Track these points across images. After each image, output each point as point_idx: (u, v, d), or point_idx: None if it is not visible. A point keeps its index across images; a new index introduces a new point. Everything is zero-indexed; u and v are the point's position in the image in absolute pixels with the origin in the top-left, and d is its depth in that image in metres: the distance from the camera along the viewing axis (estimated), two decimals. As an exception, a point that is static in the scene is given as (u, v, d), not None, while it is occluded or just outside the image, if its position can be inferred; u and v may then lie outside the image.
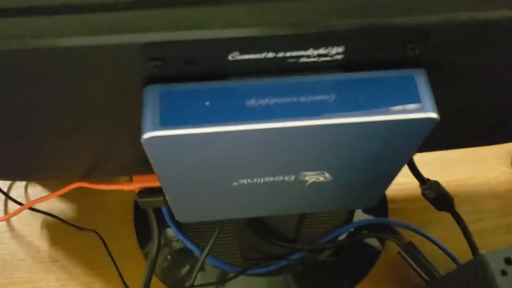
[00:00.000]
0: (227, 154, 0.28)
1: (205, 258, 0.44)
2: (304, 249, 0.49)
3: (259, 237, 0.47)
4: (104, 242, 0.51)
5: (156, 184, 0.35)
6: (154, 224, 0.44)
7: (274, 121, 0.26)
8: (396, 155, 0.30)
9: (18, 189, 0.57)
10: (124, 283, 0.46)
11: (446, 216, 0.51)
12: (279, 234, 0.48)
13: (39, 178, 0.39)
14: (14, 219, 0.55)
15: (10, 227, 0.55)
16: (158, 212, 0.44)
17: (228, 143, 0.27)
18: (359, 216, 0.54)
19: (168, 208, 0.38)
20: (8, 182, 0.57)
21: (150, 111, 0.26)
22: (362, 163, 0.30)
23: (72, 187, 0.38)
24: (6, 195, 0.55)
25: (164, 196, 0.35)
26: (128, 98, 0.29)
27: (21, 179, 0.43)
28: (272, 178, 0.32)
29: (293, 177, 0.32)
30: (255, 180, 0.32)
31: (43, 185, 0.58)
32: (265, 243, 0.49)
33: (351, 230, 0.52)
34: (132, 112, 0.30)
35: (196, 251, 0.45)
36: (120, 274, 0.47)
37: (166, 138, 0.26)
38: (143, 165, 0.36)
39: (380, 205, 0.55)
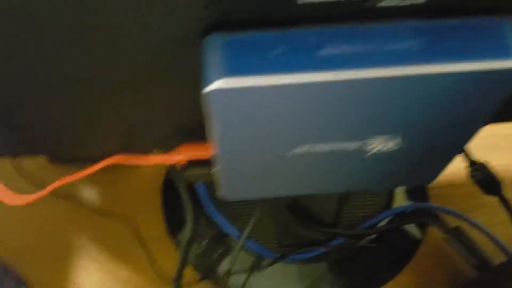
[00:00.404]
0: (294, 110, 0.25)
1: (244, 241, 0.42)
2: (344, 235, 0.46)
3: (299, 221, 0.44)
4: (134, 228, 0.48)
5: (203, 155, 0.32)
6: (189, 205, 0.41)
7: (352, 71, 0.23)
8: (474, 118, 0.28)
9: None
10: (155, 269, 0.44)
11: (490, 202, 0.48)
12: (318, 219, 0.45)
13: (75, 154, 0.36)
14: (35, 208, 0.53)
15: (31, 216, 0.52)
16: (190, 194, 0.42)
17: (297, 97, 0.24)
18: (398, 202, 0.51)
19: (211, 184, 0.35)
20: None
21: (213, 62, 0.23)
22: (437, 126, 0.28)
23: (107, 163, 0.35)
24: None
25: (212, 168, 0.32)
26: (182, 53, 0.26)
27: (56, 157, 0.40)
28: (335, 146, 0.29)
29: (356, 145, 0.29)
30: (315, 149, 0.29)
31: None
32: (303, 228, 0.46)
33: (391, 216, 0.49)
34: (184, 70, 0.27)
35: (234, 234, 0.42)
36: (150, 260, 0.44)
37: (232, 91, 0.23)
38: (187, 134, 0.33)
39: (420, 191, 0.52)
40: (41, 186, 0.52)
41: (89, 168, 0.36)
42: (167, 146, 0.34)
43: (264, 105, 0.24)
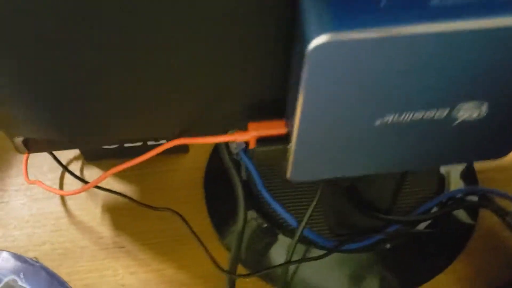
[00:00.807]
0: (392, 68, 0.24)
1: (302, 230, 0.40)
2: (401, 222, 0.44)
3: (356, 208, 0.42)
4: (184, 220, 0.46)
5: (275, 132, 0.30)
6: (240, 191, 0.39)
7: (464, 20, 0.22)
8: None
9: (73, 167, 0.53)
10: (214, 261, 0.41)
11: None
12: (375, 205, 0.44)
13: (132, 136, 0.35)
14: (71, 204, 0.51)
15: (68, 213, 0.50)
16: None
17: (400, 51, 0.23)
18: (450, 186, 0.49)
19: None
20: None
21: (315, 17, 0.22)
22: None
23: (169, 145, 0.33)
24: (68, 170, 0.50)
25: (286, 143, 0.30)
26: (266, 16, 0.25)
27: (111, 141, 0.37)
28: (423, 114, 0.28)
29: (445, 112, 0.28)
30: (402, 118, 0.28)
31: (99, 166, 0.53)
32: (359, 215, 0.44)
33: (445, 200, 0.48)
34: (265, 34, 0.26)
35: (292, 221, 0.40)
36: (207, 250, 0.42)
37: (335, 45, 0.22)
38: (256, 112, 0.31)
39: (469, 175, 0.51)
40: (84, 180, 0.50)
41: (151, 151, 0.34)
42: (234, 126, 0.32)
43: (364, 62, 0.23)
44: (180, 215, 0.46)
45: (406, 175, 0.43)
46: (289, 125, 0.30)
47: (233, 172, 0.40)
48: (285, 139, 0.31)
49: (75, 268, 0.47)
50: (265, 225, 0.46)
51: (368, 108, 0.26)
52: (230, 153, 0.40)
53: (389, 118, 0.28)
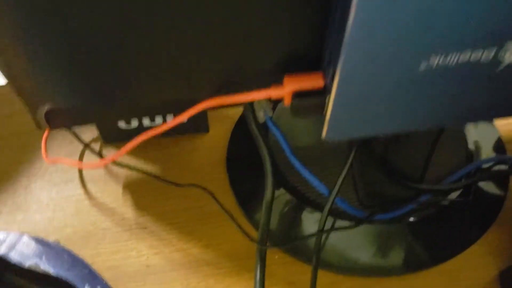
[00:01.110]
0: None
1: (335, 198, 0.39)
2: (432, 191, 0.43)
3: (386, 177, 0.41)
4: (212, 195, 0.44)
5: (311, 84, 0.29)
6: (268, 160, 0.38)
7: None
8: None
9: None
10: (244, 232, 0.40)
11: None
12: (405, 174, 0.42)
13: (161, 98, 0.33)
14: (91, 186, 0.49)
15: (89, 194, 0.49)
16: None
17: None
18: (479, 156, 0.48)
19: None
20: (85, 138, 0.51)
21: None
22: None
23: (202, 107, 0.32)
24: (88, 146, 0.49)
25: (325, 96, 0.29)
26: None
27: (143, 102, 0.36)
28: (469, 54, 0.26)
29: (492, 53, 0.27)
30: (448, 59, 0.26)
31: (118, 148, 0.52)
32: (389, 185, 0.43)
33: (474, 170, 0.47)
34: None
35: (322, 189, 0.39)
36: (236, 223, 0.41)
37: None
38: (290, 65, 0.30)
39: (498, 145, 0.49)
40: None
41: (180, 116, 0.33)
42: (268, 82, 0.31)
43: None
44: (207, 190, 0.45)
45: (437, 142, 0.41)
46: (328, 77, 0.29)
47: (260, 139, 0.39)
48: (322, 92, 0.29)
49: (98, 250, 0.46)
50: (294, 201, 0.45)
51: (415, 48, 0.25)
52: (256, 122, 0.39)
53: (435, 61, 0.26)
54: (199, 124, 0.52)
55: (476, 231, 0.45)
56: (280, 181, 0.47)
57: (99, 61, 0.29)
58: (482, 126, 0.51)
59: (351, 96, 0.28)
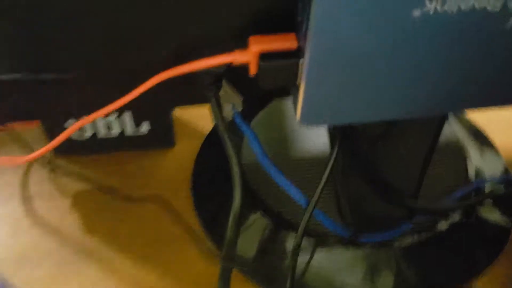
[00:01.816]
0: None
1: (312, 211, 0.32)
2: (430, 210, 0.37)
3: (376, 191, 0.35)
4: (175, 214, 0.38)
5: (282, 45, 0.24)
6: (235, 164, 0.32)
7: None
8: None
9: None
10: (208, 248, 0.33)
11: None
12: (397, 190, 0.36)
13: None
14: (35, 202, 0.43)
15: (31, 211, 0.42)
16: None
17: None
18: (479, 174, 0.42)
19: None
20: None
21: None
22: None
23: (158, 79, 0.26)
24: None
25: (299, 57, 0.24)
26: None
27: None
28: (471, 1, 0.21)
29: (499, 3, 0.21)
30: (448, 3, 0.21)
31: (71, 162, 0.45)
32: (378, 201, 0.37)
33: (474, 189, 0.41)
34: None
35: (300, 200, 0.33)
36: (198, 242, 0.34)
37: None
38: (258, 25, 0.25)
39: (501, 167, 0.44)
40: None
41: (134, 91, 0.27)
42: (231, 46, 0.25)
43: None
44: (167, 206, 0.38)
45: (434, 150, 0.36)
46: (301, 36, 0.23)
47: (226, 136, 0.33)
48: (295, 54, 0.24)
49: (34, 276, 0.38)
50: (270, 226, 0.38)
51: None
52: (223, 118, 0.33)
53: (431, 5, 0.21)
54: (163, 138, 0.46)
55: (480, 261, 0.39)
56: (254, 204, 0.41)
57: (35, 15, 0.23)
58: (485, 149, 0.46)
59: (329, 60, 0.23)
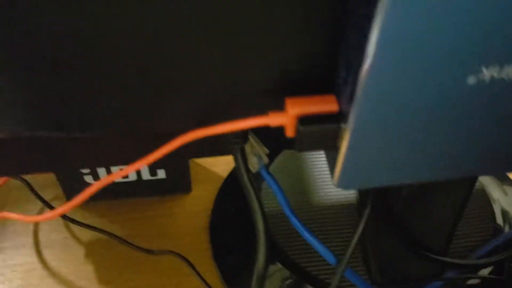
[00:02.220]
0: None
1: (344, 269, 0.31)
2: (460, 266, 0.36)
3: (405, 246, 0.34)
4: (194, 268, 0.36)
5: (322, 108, 0.23)
6: (260, 221, 0.31)
7: None
8: None
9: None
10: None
11: None
12: (427, 245, 0.35)
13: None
14: (47, 252, 0.41)
15: (43, 263, 0.40)
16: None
17: None
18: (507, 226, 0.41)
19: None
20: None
21: None
22: None
23: (182, 141, 0.25)
24: (47, 203, 0.41)
25: (340, 122, 0.22)
26: None
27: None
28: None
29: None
30: (504, 73, 0.20)
31: (86, 209, 0.44)
32: (408, 257, 0.35)
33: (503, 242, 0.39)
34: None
35: (328, 257, 0.31)
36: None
37: None
38: (293, 87, 0.23)
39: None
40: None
41: (158, 151, 0.25)
42: (263, 108, 0.24)
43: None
44: (186, 260, 0.37)
45: (466, 205, 0.34)
46: (343, 99, 0.22)
47: (252, 191, 0.31)
48: (336, 118, 0.23)
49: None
50: (293, 278, 0.37)
51: (465, 54, 0.19)
52: (248, 171, 0.32)
53: (488, 73, 0.20)
54: (180, 183, 0.44)
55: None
56: (275, 254, 0.39)
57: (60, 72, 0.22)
58: (507, 188, 0.44)
59: (376, 126, 0.22)
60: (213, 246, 0.41)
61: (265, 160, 0.32)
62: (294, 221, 0.31)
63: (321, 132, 0.23)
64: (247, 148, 0.31)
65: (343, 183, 0.25)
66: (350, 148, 0.23)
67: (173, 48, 0.22)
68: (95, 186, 0.29)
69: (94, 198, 0.43)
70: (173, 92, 0.24)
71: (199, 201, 0.45)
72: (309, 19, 0.21)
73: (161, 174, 0.42)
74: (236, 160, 0.31)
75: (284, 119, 0.23)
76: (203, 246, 0.41)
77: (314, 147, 0.23)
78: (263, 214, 0.31)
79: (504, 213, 0.42)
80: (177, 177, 0.43)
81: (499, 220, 0.42)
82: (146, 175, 0.42)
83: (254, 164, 0.32)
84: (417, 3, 0.17)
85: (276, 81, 0.23)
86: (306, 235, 0.31)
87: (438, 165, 0.24)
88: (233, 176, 0.46)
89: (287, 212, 0.31)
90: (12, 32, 0.20)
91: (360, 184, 0.25)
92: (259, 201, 0.31)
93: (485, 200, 0.43)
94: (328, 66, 0.23)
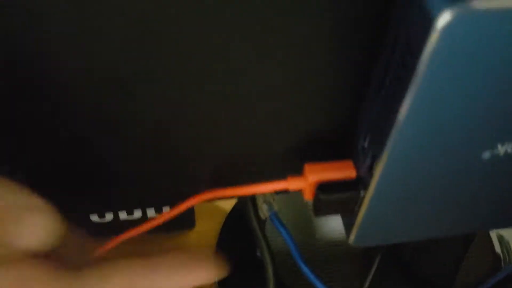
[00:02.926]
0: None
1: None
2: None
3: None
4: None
5: (340, 174, 0.23)
6: (270, 266, 0.31)
7: None
8: None
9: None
10: None
11: None
12: (433, 283, 0.36)
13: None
14: None
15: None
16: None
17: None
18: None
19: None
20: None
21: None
22: None
23: (197, 201, 0.25)
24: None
25: (358, 188, 0.23)
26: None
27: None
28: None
29: None
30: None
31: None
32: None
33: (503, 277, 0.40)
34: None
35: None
36: None
37: (480, 15, 0.15)
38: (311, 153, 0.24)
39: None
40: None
41: (168, 213, 0.26)
42: (277, 171, 0.24)
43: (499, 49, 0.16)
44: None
45: (470, 246, 0.35)
46: (362, 166, 0.23)
47: (263, 241, 0.32)
48: (354, 185, 0.23)
49: None
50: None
51: (484, 134, 0.19)
52: (258, 218, 0.33)
53: (502, 148, 0.21)
54: (183, 219, 0.44)
55: None
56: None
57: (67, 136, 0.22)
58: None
59: (393, 194, 0.22)
60: (218, 283, 0.41)
61: (275, 206, 0.32)
62: (305, 270, 0.31)
63: (340, 200, 0.23)
64: (258, 196, 0.32)
65: (358, 241, 0.25)
66: (367, 212, 0.23)
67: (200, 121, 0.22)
68: (112, 243, 0.29)
69: (100, 234, 0.43)
70: (199, 158, 0.24)
71: (203, 236, 0.45)
72: (330, 91, 0.22)
73: (166, 210, 0.42)
74: (247, 208, 0.31)
75: (303, 184, 0.23)
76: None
77: (332, 212, 0.24)
78: (273, 261, 0.31)
79: (499, 237, 0.43)
80: (181, 213, 0.43)
81: (497, 247, 0.42)
82: (151, 213, 0.42)
83: (264, 211, 0.32)
84: (445, 92, 0.18)
85: (295, 147, 0.24)
86: (317, 284, 0.32)
87: (449, 224, 0.25)
88: (236, 210, 0.46)
89: (298, 260, 0.31)
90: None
91: (375, 242, 0.26)
92: (270, 250, 0.31)
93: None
94: (347, 133, 0.24)
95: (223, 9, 0.17)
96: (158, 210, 0.41)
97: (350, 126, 0.23)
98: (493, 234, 0.44)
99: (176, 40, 0.18)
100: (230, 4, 0.17)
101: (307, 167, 0.23)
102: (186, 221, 0.44)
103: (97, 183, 0.27)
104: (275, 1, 0.17)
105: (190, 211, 0.44)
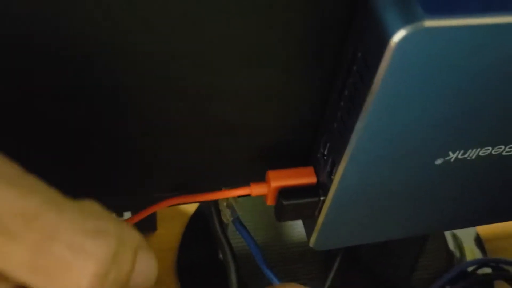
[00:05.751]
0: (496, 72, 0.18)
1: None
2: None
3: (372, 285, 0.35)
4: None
5: (302, 181, 0.24)
6: (232, 270, 0.32)
7: None
8: None
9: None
10: None
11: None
12: (391, 282, 0.37)
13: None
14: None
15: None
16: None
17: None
18: (460, 258, 0.44)
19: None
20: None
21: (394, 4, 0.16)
22: None
23: (159, 207, 0.26)
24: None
25: (319, 194, 0.23)
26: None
27: None
28: (490, 149, 0.22)
29: None
30: (467, 154, 0.22)
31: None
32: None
33: (456, 274, 0.42)
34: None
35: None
36: None
37: (433, 33, 0.16)
38: (273, 158, 0.24)
39: (477, 245, 0.45)
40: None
41: (134, 217, 0.26)
42: (239, 178, 0.25)
43: (455, 60, 0.17)
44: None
45: (425, 245, 0.36)
46: (322, 172, 0.23)
47: (226, 246, 0.32)
48: (315, 190, 0.24)
49: None
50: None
51: (436, 144, 0.20)
52: (221, 223, 0.33)
53: (453, 155, 0.22)
54: (144, 222, 0.44)
55: None
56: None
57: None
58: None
59: (352, 200, 0.23)
60: (182, 285, 0.42)
61: (238, 211, 0.33)
62: (268, 273, 0.32)
63: (301, 205, 0.24)
64: (221, 200, 0.32)
65: (319, 245, 0.26)
66: (327, 217, 0.24)
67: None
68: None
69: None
70: (165, 163, 0.24)
71: (165, 239, 0.45)
72: (293, 100, 0.22)
73: (127, 215, 0.42)
74: (209, 212, 0.31)
75: (265, 190, 0.24)
76: (171, 286, 0.42)
77: (294, 217, 0.24)
78: (237, 266, 0.32)
79: (453, 237, 0.45)
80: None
81: (451, 245, 0.44)
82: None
83: (227, 215, 0.33)
84: (399, 104, 0.18)
85: (258, 154, 0.24)
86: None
87: (406, 226, 0.26)
88: (199, 213, 0.47)
89: (261, 264, 0.32)
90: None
91: (335, 245, 0.27)
92: (233, 254, 0.32)
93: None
94: (307, 141, 0.24)
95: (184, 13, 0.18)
96: (120, 216, 0.41)
97: (312, 134, 0.24)
98: (447, 232, 0.45)
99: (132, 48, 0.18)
100: (193, 10, 0.17)
101: (270, 174, 0.24)
102: (147, 224, 0.44)
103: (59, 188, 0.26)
104: (238, 8, 0.18)
105: (152, 215, 0.44)
